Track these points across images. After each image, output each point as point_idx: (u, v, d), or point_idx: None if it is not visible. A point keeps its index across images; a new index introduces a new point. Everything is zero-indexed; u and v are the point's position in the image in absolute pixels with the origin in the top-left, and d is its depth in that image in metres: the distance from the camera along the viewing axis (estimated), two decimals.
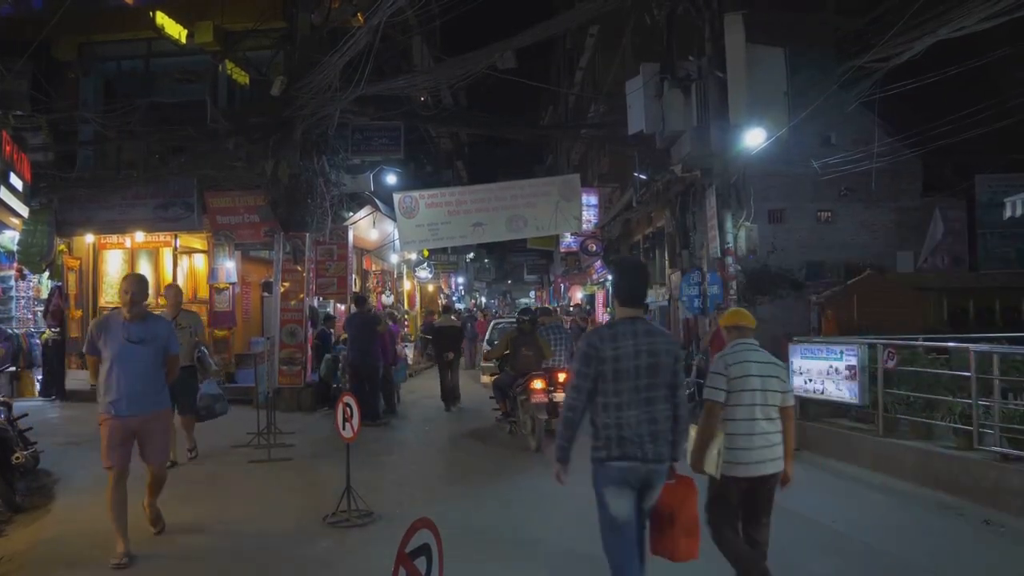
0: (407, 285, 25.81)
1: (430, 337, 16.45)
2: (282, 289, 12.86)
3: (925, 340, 9.17)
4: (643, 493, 3.71)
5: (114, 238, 14.10)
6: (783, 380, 4.32)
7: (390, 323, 14.48)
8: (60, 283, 13.48)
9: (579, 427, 3.72)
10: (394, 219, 14.66)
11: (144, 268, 14.71)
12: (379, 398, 12.08)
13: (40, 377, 13.63)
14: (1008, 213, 9.85)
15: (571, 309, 27.07)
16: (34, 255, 12.48)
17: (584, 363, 3.65)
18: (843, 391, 8.72)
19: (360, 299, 12.78)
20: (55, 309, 13.41)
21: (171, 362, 5.56)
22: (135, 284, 5.42)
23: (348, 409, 6.11)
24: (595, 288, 31.16)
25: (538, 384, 9.51)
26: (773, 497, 4.26)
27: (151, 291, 14.77)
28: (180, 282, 14.40)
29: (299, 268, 12.96)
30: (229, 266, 13.36)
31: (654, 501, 3.76)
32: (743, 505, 4.23)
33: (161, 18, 12.08)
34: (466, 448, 9.84)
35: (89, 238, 13.89)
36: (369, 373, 11.66)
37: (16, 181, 10.37)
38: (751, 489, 4.15)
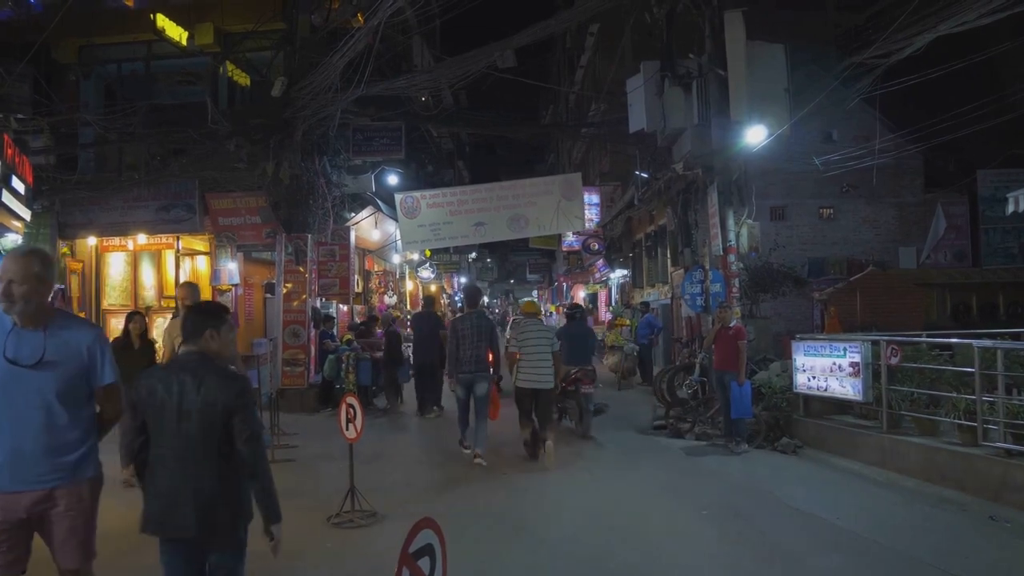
0: (409, 285, 25.82)
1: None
2: (284, 290, 12.88)
3: (928, 336, 9.16)
4: (472, 388, 8.48)
5: (116, 240, 14.12)
6: (549, 339, 8.69)
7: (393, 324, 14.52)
8: (63, 286, 13.50)
9: (455, 360, 8.50)
10: (396, 219, 14.67)
11: (147, 270, 14.75)
12: (434, 392, 12.60)
13: None
14: (1011, 208, 9.81)
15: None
16: None
17: (452, 332, 8.67)
18: (846, 388, 8.70)
19: (428, 300, 13.97)
20: None
21: (104, 397, 3.25)
22: (12, 266, 3.06)
23: (351, 410, 6.11)
24: (598, 287, 31.15)
25: None
26: (549, 399, 8.67)
27: (152, 294, 15.01)
28: None
29: (301, 269, 12.97)
30: (231, 268, 13.38)
31: (483, 392, 8.46)
32: (534, 402, 8.55)
33: (161, 20, 12.10)
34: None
35: (91, 241, 13.92)
36: (433, 370, 12.34)
37: (18, 184, 10.38)
38: (534, 394, 8.50)
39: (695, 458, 8.97)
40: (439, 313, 16.75)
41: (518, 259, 50.99)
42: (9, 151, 10.01)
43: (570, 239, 26.06)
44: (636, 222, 22.27)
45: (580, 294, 34.87)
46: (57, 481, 3.06)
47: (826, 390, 9.03)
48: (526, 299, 22.40)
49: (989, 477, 6.63)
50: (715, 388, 10.08)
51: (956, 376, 7.69)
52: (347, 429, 6.09)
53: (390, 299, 20.83)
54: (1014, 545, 5.60)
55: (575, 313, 11.81)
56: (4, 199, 9.94)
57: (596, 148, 25.59)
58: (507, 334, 19.62)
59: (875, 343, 8.54)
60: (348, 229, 14.84)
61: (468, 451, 8.63)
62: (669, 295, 17.77)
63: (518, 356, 8.66)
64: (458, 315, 9.50)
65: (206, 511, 3.11)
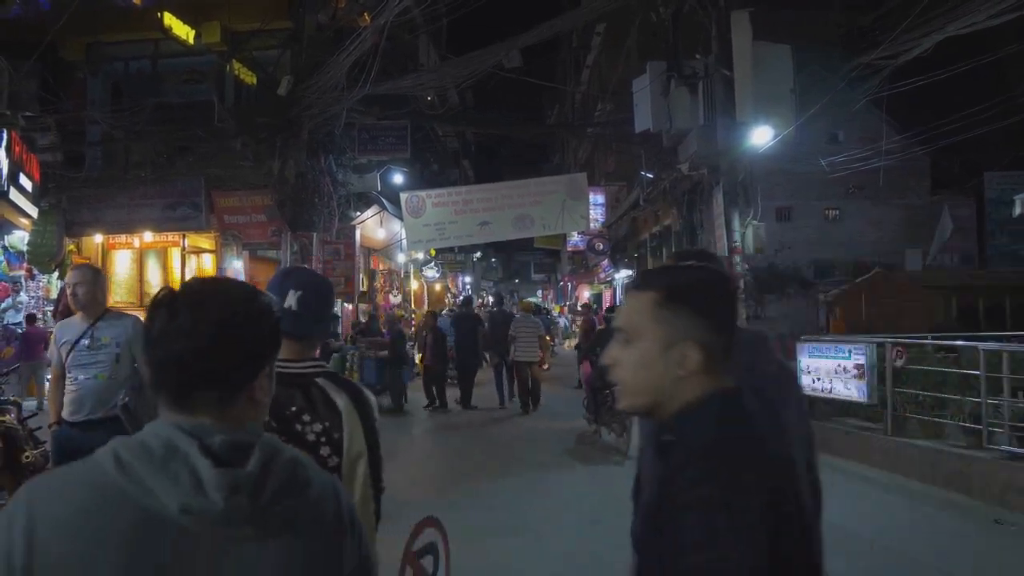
0: (414, 284, 25.84)
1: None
2: None
3: (934, 338, 9.13)
4: (504, 357, 13.02)
5: (123, 238, 14.17)
6: (537, 329, 12.87)
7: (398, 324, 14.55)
8: None
9: (495, 338, 13.50)
10: (401, 218, 14.69)
11: (153, 268, 14.80)
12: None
13: (49, 376, 13.68)
14: (1017, 210, 9.81)
15: (579, 308, 27.05)
16: (43, 255, 12.54)
17: (490, 320, 14.33)
18: (851, 390, 8.68)
19: (467, 300, 15.08)
20: (64, 309, 13.45)
21: None
22: None
23: None
24: (602, 287, 31.14)
25: None
26: (537, 368, 12.66)
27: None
28: None
29: (306, 268, 12.99)
30: (237, 266, 13.42)
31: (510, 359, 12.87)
32: (527, 369, 12.43)
33: (168, 18, 12.12)
34: (475, 446, 9.85)
35: (98, 238, 13.96)
36: (473, 368, 13.44)
37: (26, 182, 10.44)
38: (526, 364, 12.38)
39: None
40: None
41: (523, 259, 51.00)
42: (17, 148, 10.07)
43: (575, 239, 26.07)
44: (641, 222, 22.24)
45: (585, 294, 34.87)
46: None
47: (831, 392, 9.00)
48: (527, 299, 24.91)
49: (994, 480, 6.61)
50: None
51: (961, 379, 7.66)
52: None
53: (395, 298, 20.84)
54: (1019, 548, 5.58)
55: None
56: (12, 196, 10.01)
57: (601, 148, 25.56)
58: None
59: (880, 345, 8.51)
60: (353, 228, 14.86)
61: (525, 412, 12.30)
62: None
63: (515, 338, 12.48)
64: (492, 310, 14.44)
65: None
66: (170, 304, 1.13)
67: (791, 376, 2.20)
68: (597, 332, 13.24)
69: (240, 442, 1.10)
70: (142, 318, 1.28)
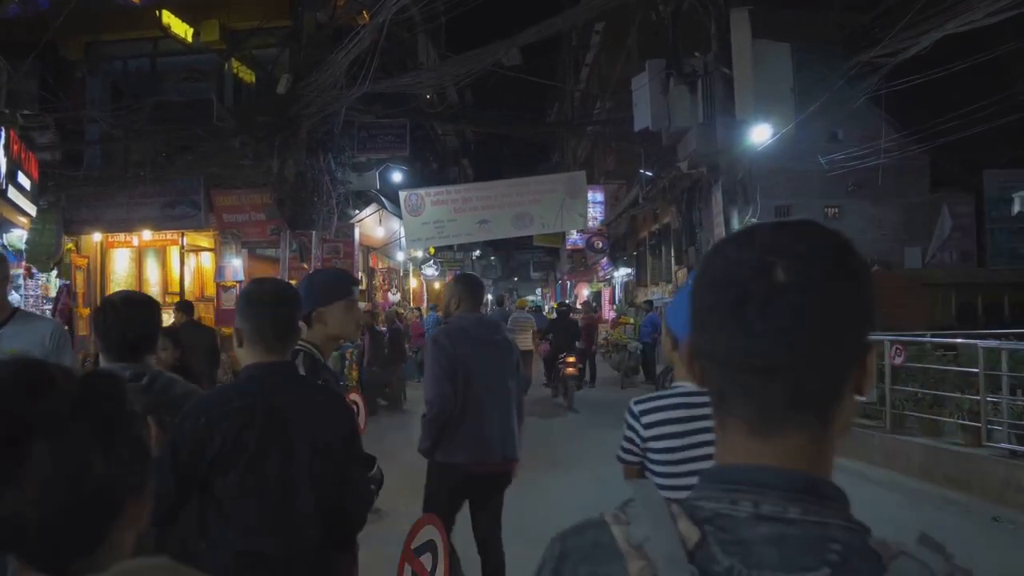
0: (413, 283, 25.83)
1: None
2: None
3: (933, 336, 9.14)
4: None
5: (122, 237, 14.16)
6: (531, 323, 14.46)
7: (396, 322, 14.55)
8: (68, 282, 13.53)
9: None
10: (400, 217, 14.69)
11: (152, 266, 14.80)
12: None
13: None
14: (1017, 208, 9.80)
15: (578, 307, 27.06)
16: (42, 254, 12.53)
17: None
18: None
19: (563, 303, 15.90)
20: (63, 307, 13.46)
21: None
22: None
23: (354, 406, 6.12)
24: (601, 285, 31.15)
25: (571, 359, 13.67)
26: (530, 357, 13.26)
27: (157, 291, 15.04)
28: (187, 281, 14.48)
29: (305, 266, 12.99)
30: (236, 264, 13.40)
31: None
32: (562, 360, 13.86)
33: (167, 17, 12.11)
34: None
35: (97, 237, 13.95)
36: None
37: (24, 180, 10.42)
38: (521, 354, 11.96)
39: None
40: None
41: (522, 257, 51.00)
42: (15, 147, 10.05)
43: (574, 237, 26.06)
44: (640, 220, 22.26)
45: (584, 292, 34.88)
46: None
47: None
48: (524, 298, 27.63)
49: (993, 478, 6.62)
50: None
51: (960, 377, 7.67)
52: None
53: (394, 296, 20.85)
54: (1018, 545, 5.59)
55: (564, 310, 16.58)
56: (10, 195, 9.99)
57: (601, 146, 25.57)
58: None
59: (879, 343, 8.52)
60: (352, 226, 14.86)
61: None
62: (673, 294, 17.76)
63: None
64: (494, 309, 15.25)
65: None
66: (113, 307, 2.43)
67: (505, 343, 4.37)
68: (551, 321, 16.11)
69: (140, 371, 2.35)
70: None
